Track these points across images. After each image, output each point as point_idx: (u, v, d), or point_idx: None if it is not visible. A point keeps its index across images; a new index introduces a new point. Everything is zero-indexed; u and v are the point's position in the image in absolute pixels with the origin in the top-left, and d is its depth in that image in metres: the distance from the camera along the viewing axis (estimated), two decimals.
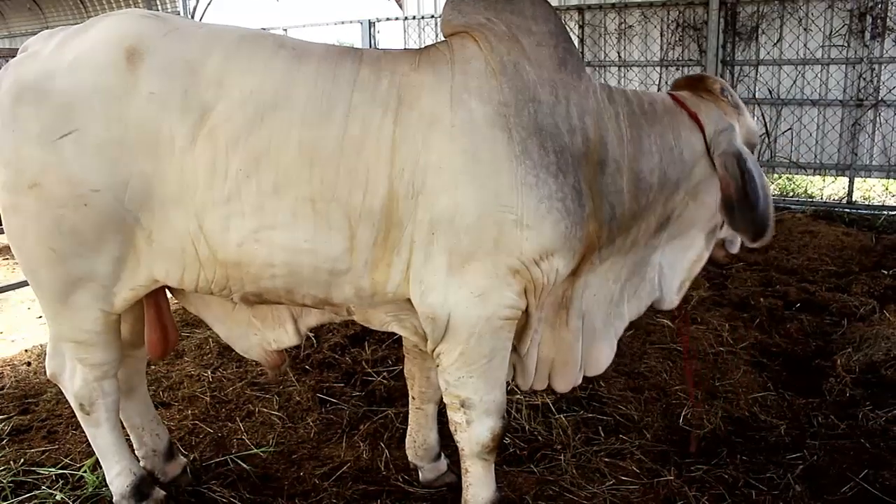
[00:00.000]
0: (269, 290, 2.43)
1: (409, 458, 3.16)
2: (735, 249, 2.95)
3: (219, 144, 2.23)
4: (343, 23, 12.41)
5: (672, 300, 2.86)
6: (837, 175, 8.86)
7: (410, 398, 3.11)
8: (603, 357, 2.79)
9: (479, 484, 2.66)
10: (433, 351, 2.47)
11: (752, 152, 2.69)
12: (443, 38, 2.53)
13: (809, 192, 9.29)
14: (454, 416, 2.56)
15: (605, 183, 2.42)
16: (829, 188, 9.23)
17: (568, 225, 2.30)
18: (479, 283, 2.31)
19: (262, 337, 2.76)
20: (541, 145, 2.28)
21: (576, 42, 9.71)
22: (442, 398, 2.89)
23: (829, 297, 5.24)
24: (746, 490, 3.02)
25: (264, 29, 11.93)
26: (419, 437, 3.11)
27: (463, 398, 2.49)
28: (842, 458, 3.21)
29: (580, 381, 2.78)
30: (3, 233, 2.66)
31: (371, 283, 2.38)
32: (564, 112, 2.35)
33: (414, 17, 11.53)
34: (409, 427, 3.16)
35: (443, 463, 3.15)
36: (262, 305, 2.64)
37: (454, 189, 2.23)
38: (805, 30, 8.47)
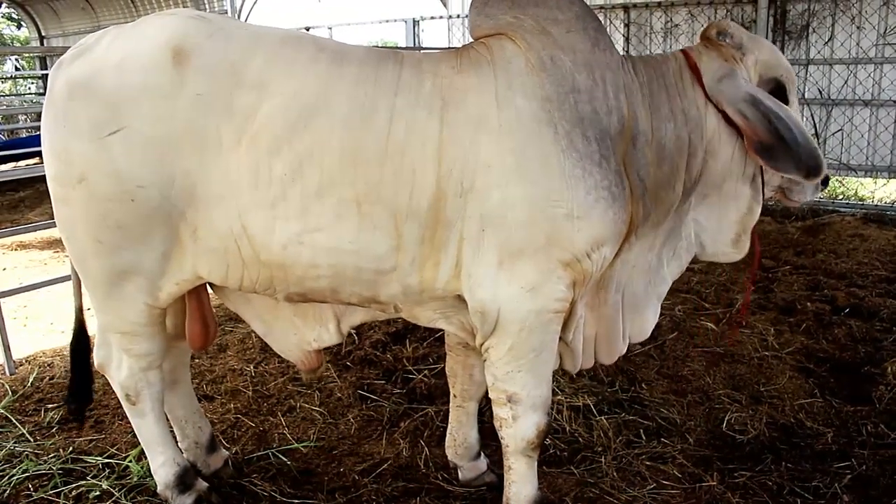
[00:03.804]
0: (314, 290, 2.45)
1: (449, 457, 3.16)
2: (800, 196, 2.76)
3: (261, 147, 2.25)
4: (387, 21, 12.49)
5: (727, 253, 2.77)
6: (890, 177, 8.63)
7: (452, 396, 3.11)
8: (647, 323, 2.80)
9: (521, 481, 2.65)
10: (482, 345, 2.47)
11: (779, 84, 2.59)
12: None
13: (860, 194, 9.06)
14: (500, 412, 2.55)
15: (636, 157, 2.42)
16: (881, 191, 8.99)
17: (616, 211, 2.32)
18: (529, 277, 2.31)
19: (301, 337, 2.79)
20: (583, 135, 2.28)
21: (621, 41, 9.61)
22: (483, 397, 2.89)
23: (879, 303, 5.10)
24: (791, 498, 2.97)
25: (308, 28, 12.06)
26: (459, 435, 3.11)
27: (510, 393, 2.49)
28: (892, 468, 3.12)
29: (625, 350, 2.80)
30: (55, 226, 2.73)
31: (419, 281, 2.39)
32: (602, 94, 2.35)
33: (458, 16, 11.46)
34: (449, 425, 3.16)
35: (482, 462, 3.15)
36: (304, 303, 2.66)
37: (504, 187, 2.24)
38: (858, 28, 8.25)
